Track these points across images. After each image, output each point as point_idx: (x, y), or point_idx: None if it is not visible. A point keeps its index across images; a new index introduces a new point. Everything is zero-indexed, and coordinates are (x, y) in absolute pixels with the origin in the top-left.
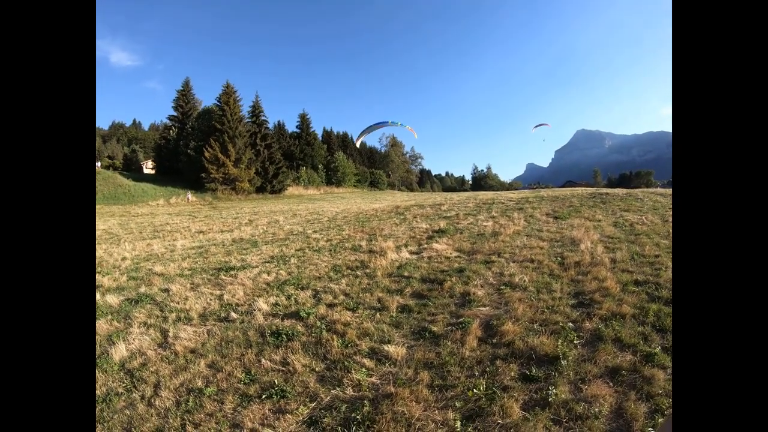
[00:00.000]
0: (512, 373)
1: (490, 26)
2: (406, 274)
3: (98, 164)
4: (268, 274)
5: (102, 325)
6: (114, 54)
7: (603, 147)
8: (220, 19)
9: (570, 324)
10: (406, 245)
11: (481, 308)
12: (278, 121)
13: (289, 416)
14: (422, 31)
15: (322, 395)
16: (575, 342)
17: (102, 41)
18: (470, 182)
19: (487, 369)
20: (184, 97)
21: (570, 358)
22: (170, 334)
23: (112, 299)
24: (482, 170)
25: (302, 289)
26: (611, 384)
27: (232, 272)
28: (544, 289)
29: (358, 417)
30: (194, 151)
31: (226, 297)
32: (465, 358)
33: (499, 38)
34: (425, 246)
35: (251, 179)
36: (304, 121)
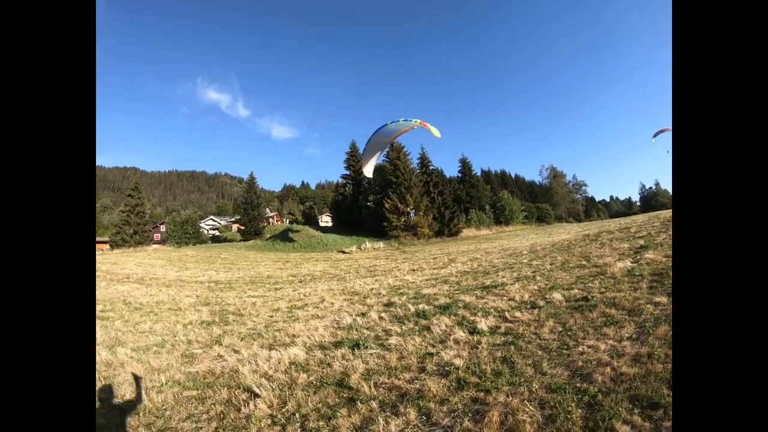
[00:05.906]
0: None
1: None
2: (637, 273)
3: (286, 220)
4: (531, 285)
5: (444, 319)
6: (275, 129)
7: None
8: (362, 83)
9: None
10: (620, 259)
11: None
12: (437, 168)
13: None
14: (568, 48)
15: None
16: None
17: (262, 119)
18: (638, 204)
19: None
20: (353, 157)
21: None
22: (507, 315)
23: (426, 306)
24: (650, 188)
25: (568, 290)
26: None
27: (496, 288)
28: None
29: None
30: (374, 203)
31: (517, 297)
32: None
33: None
34: (639, 257)
35: (429, 224)
36: (465, 166)
